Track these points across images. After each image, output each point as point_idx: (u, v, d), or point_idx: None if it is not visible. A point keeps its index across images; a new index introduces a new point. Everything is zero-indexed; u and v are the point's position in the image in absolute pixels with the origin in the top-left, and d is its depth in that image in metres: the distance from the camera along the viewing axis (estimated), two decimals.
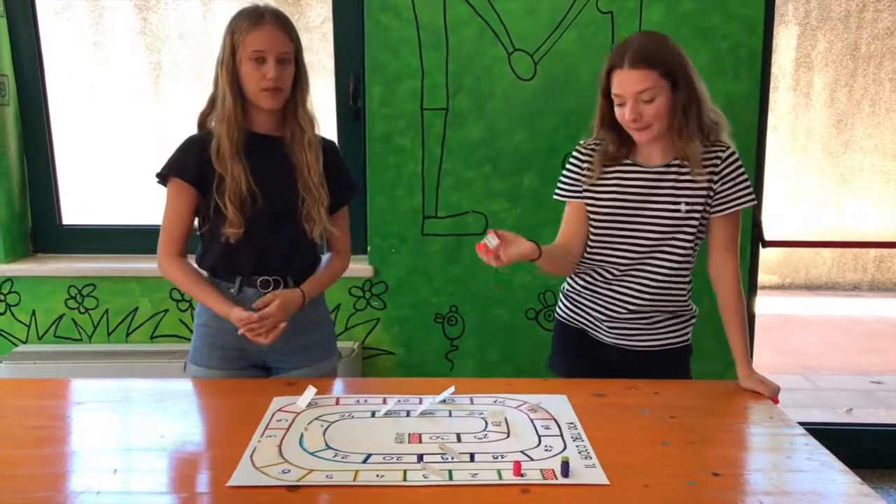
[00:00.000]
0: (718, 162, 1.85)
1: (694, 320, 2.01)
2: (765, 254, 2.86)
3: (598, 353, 2.02)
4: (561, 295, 2.11)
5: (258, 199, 1.81)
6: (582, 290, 2.00)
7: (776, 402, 1.75)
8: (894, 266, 5.92)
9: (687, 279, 1.95)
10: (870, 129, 3.78)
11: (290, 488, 1.31)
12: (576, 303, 2.04)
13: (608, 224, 1.92)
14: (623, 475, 1.37)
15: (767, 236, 2.79)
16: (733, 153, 1.87)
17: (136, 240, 2.91)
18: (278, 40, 1.78)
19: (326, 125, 1.91)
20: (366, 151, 2.71)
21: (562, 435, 1.52)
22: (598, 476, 1.36)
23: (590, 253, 1.95)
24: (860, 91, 3.68)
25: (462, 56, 2.64)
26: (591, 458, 1.42)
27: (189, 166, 1.84)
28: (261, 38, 1.77)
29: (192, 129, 1.94)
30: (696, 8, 2.59)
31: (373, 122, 2.68)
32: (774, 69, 2.90)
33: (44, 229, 2.91)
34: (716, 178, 1.85)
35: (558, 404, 1.67)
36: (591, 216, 1.94)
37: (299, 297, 1.88)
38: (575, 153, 1.98)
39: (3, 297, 2.80)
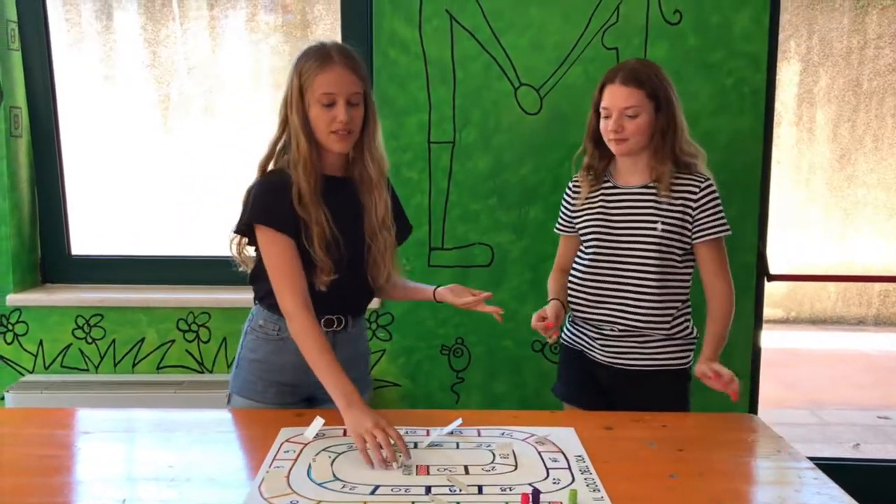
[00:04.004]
0: (696, 190, 1.97)
1: (692, 346, 2.07)
2: (770, 288, 2.86)
3: (593, 373, 2.11)
4: (566, 320, 2.19)
5: (340, 243, 1.76)
6: (578, 311, 2.10)
7: (734, 396, 1.78)
8: None
9: (681, 300, 2.04)
10: (872, 164, 3.80)
11: None
12: (575, 325, 2.14)
13: (595, 244, 2.05)
14: None
15: (772, 270, 2.80)
16: (711, 184, 1.99)
17: (144, 270, 2.93)
18: (348, 81, 1.72)
19: None
20: None
21: (570, 467, 1.52)
22: None
23: (582, 273, 2.08)
24: (862, 127, 3.71)
25: (469, 90, 2.68)
26: (599, 490, 1.42)
27: (282, 214, 1.73)
28: (330, 79, 1.70)
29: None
30: (700, 44, 2.63)
31: None
32: (777, 105, 2.93)
33: (53, 259, 2.93)
34: (693, 205, 1.97)
35: (566, 437, 1.67)
36: (581, 238, 2.11)
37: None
38: (567, 188, 2.20)
39: (10, 327, 2.81)
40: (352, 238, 1.80)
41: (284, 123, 1.77)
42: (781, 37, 2.78)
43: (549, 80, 2.67)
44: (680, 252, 2.01)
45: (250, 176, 1.83)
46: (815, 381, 5.06)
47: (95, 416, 1.90)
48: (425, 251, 2.75)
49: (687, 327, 2.06)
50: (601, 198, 2.06)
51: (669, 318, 2.02)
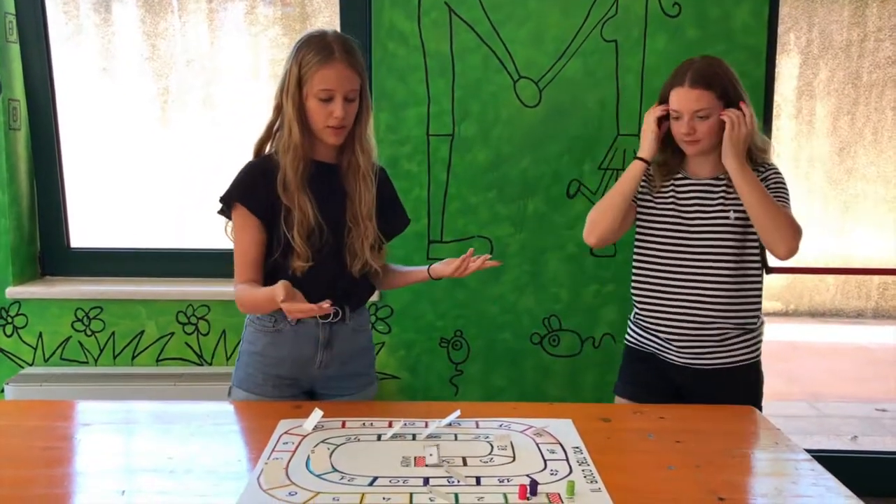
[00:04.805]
0: (761, 170, 2.00)
1: (762, 336, 2.09)
2: (769, 280, 2.85)
3: (668, 376, 2.09)
4: (630, 322, 2.19)
5: (325, 230, 1.78)
6: (650, 313, 2.08)
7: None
8: None
9: (753, 288, 2.04)
10: (872, 157, 3.79)
11: None
12: (645, 327, 2.11)
13: (667, 236, 2.05)
14: (629, 499, 1.37)
15: (771, 263, 2.80)
16: (776, 170, 2.02)
17: (143, 263, 2.93)
18: (347, 78, 1.73)
19: None
20: None
21: (567, 459, 1.53)
22: (603, 500, 1.36)
23: (652, 268, 2.07)
24: (862, 119, 3.70)
25: (468, 83, 2.68)
26: (596, 482, 1.43)
27: (259, 198, 1.78)
28: (330, 76, 1.72)
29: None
30: (699, 37, 2.63)
31: (379, 148, 2.69)
32: (777, 97, 2.93)
33: (52, 252, 2.93)
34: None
35: (564, 429, 1.68)
36: (648, 229, 2.08)
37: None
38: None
39: (10, 320, 2.81)
40: (336, 225, 1.81)
41: (279, 109, 1.79)
42: (781, 29, 2.78)
43: (547, 73, 2.67)
44: (753, 240, 2.01)
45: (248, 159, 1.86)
46: (814, 373, 5.06)
47: (95, 408, 1.90)
48: (424, 244, 2.75)
49: (759, 319, 2.07)
50: (672, 190, 2.06)
51: (745, 310, 2.02)
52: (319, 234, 1.78)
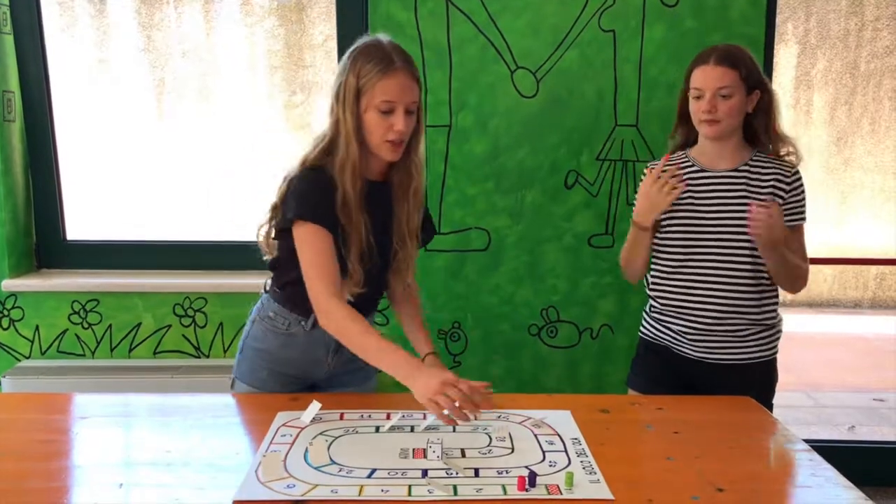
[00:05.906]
0: (788, 174, 1.98)
1: (780, 333, 2.09)
2: None
3: (682, 370, 2.07)
4: (644, 314, 2.18)
5: (374, 252, 1.71)
6: (666, 305, 2.06)
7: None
8: (895, 284, 5.91)
9: (769, 284, 2.02)
10: (870, 147, 3.79)
11: (296, 503, 1.32)
12: (660, 320, 2.10)
13: (684, 229, 2.02)
14: (627, 490, 1.37)
15: None
16: (798, 172, 2.00)
17: (140, 255, 2.92)
18: (409, 90, 1.65)
19: None
20: None
21: (566, 450, 1.53)
22: (602, 491, 1.36)
23: (670, 262, 2.05)
24: (860, 109, 3.70)
25: (465, 74, 2.66)
26: (595, 473, 1.43)
27: (329, 214, 1.66)
28: (392, 87, 1.63)
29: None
30: (697, 27, 2.62)
31: None
32: (775, 87, 2.92)
33: (48, 245, 2.92)
34: (787, 187, 1.97)
35: (562, 420, 1.68)
36: (669, 226, 2.04)
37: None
38: (645, 171, 2.11)
39: (6, 313, 2.80)
40: (383, 247, 1.76)
41: (337, 123, 1.68)
42: (779, 19, 2.77)
43: (545, 63, 2.66)
44: None
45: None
46: (811, 364, 5.07)
47: (92, 401, 1.90)
48: None
49: (777, 316, 2.07)
50: (689, 183, 2.03)
51: (762, 304, 2.01)
52: (370, 257, 1.71)
